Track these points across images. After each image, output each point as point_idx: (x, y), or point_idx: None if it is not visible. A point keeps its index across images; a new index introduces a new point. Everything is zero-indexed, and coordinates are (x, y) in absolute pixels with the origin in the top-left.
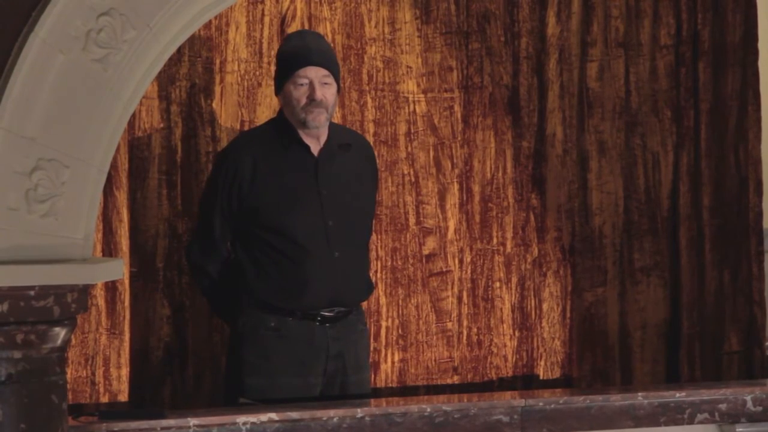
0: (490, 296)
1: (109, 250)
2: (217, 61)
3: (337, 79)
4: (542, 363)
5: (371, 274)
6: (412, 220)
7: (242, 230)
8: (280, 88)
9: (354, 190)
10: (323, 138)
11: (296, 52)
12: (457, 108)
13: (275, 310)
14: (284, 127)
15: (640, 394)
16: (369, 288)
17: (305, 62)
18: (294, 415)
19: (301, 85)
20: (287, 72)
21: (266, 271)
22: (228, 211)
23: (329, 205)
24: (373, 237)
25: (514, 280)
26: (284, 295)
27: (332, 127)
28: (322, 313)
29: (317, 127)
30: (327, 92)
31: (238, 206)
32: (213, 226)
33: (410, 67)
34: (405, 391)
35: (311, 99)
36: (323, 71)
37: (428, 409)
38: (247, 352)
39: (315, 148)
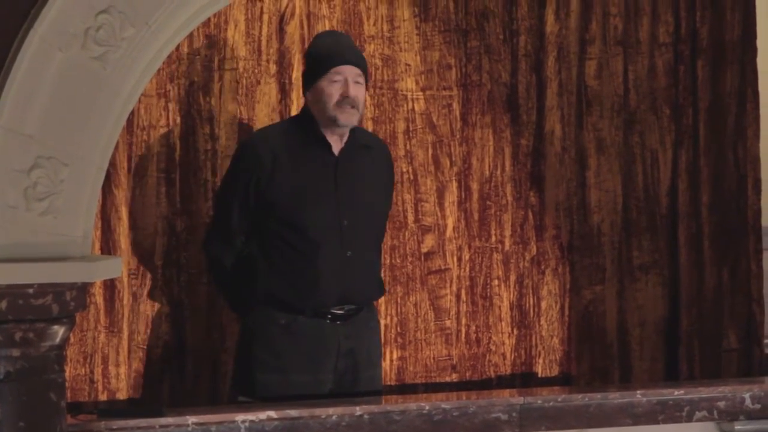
0: (488, 294)
1: (108, 248)
2: (216, 59)
3: (366, 79)
4: (541, 361)
5: None
6: (410, 218)
7: (257, 224)
8: (310, 86)
9: (371, 191)
10: (345, 138)
11: (332, 50)
12: (455, 106)
13: (285, 307)
14: (308, 124)
15: (638, 392)
16: (380, 288)
17: (341, 60)
18: (293, 413)
19: (336, 81)
20: (322, 68)
21: (278, 267)
22: (246, 203)
23: (345, 204)
24: None
25: (513, 278)
26: (295, 291)
27: (354, 128)
28: (333, 310)
29: (348, 125)
30: (359, 91)
31: (255, 199)
32: (230, 217)
33: (409, 65)
34: (404, 389)
35: (344, 96)
36: (357, 70)
37: (427, 407)
38: (258, 349)
39: (336, 147)
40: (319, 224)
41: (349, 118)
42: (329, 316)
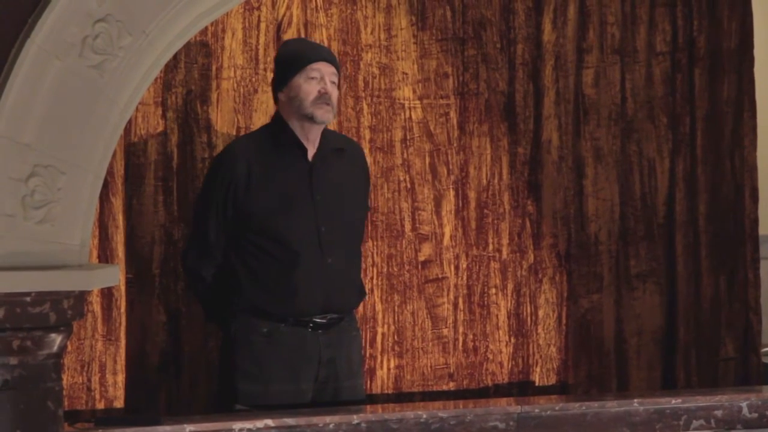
0: (485, 303)
1: (106, 256)
2: (214, 68)
3: (340, 80)
4: (538, 369)
5: (367, 281)
6: (407, 226)
7: (236, 235)
8: (283, 85)
9: (347, 195)
10: (317, 142)
11: (306, 49)
12: (453, 114)
13: (267, 316)
14: (281, 130)
15: (635, 400)
16: (361, 294)
17: (318, 57)
18: (290, 421)
19: (313, 78)
20: (299, 65)
21: (258, 277)
22: (223, 216)
23: (323, 210)
24: (369, 243)
25: (510, 286)
26: (276, 300)
27: (325, 132)
28: (314, 319)
29: (324, 122)
30: (334, 91)
31: (232, 211)
32: (208, 230)
33: (406, 74)
34: (401, 397)
35: (322, 93)
36: (332, 69)
37: (424, 416)
38: (240, 359)
39: (310, 153)
40: (297, 232)
41: (325, 115)
42: (311, 325)
